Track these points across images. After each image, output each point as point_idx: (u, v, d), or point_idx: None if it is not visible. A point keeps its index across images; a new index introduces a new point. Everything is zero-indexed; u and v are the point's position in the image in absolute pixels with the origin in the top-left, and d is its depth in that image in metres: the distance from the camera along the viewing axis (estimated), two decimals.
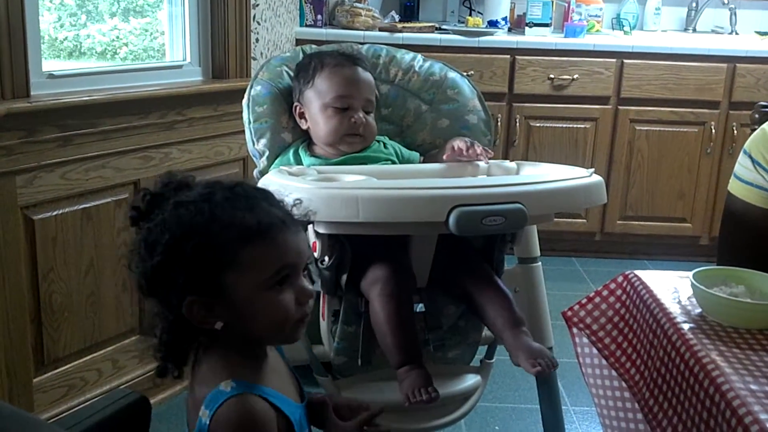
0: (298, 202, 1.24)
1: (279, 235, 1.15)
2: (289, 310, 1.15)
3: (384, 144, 1.85)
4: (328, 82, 1.79)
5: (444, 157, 1.79)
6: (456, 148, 1.77)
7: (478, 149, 1.77)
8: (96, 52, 2.79)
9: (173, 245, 1.11)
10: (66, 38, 2.68)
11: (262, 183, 1.56)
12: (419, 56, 2.01)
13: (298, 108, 1.83)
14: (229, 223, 1.12)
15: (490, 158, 1.79)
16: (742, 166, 1.76)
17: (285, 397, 1.18)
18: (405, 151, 1.88)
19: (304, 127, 1.83)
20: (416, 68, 1.98)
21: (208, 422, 1.09)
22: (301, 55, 1.93)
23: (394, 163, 1.82)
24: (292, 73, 1.89)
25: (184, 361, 1.18)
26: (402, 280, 1.57)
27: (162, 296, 1.14)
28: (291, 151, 1.82)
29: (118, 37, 2.82)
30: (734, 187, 1.78)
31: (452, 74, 1.98)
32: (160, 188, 1.19)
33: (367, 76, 1.84)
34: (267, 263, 1.14)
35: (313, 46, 1.99)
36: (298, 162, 1.78)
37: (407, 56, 2.00)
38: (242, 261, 1.12)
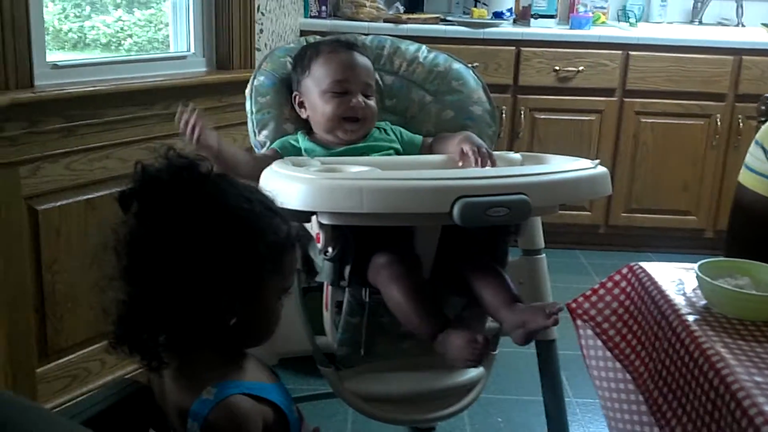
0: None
1: (297, 245, 1.19)
2: (280, 317, 1.20)
3: (385, 130, 1.85)
4: (325, 68, 1.78)
5: (460, 164, 1.75)
6: (466, 154, 1.73)
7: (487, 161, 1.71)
8: (100, 44, 2.78)
9: (246, 238, 1.09)
10: (70, 29, 2.68)
11: (266, 173, 1.56)
12: (424, 47, 2.00)
13: (297, 97, 1.83)
14: (287, 228, 1.15)
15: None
16: (753, 156, 1.75)
17: (266, 384, 1.19)
18: (406, 135, 1.86)
19: (303, 116, 1.83)
20: (420, 59, 1.97)
21: None
22: None
23: (397, 150, 1.82)
24: None
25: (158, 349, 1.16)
26: (407, 262, 1.57)
27: (176, 286, 1.09)
28: (289, 136, 1.81)
29: (122, 29, 2.81)
30: (744, 177, 1.77)
31: (457, 65, 1.97)
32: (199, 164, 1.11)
33: (364, 60, 1.83)
34: (291, 272, 1.19)
35: (318, 37, 1.99)
36: (296, 146, 1.78)
37: (411, 47, 2.00)
38: (282, 266, 1.15)
